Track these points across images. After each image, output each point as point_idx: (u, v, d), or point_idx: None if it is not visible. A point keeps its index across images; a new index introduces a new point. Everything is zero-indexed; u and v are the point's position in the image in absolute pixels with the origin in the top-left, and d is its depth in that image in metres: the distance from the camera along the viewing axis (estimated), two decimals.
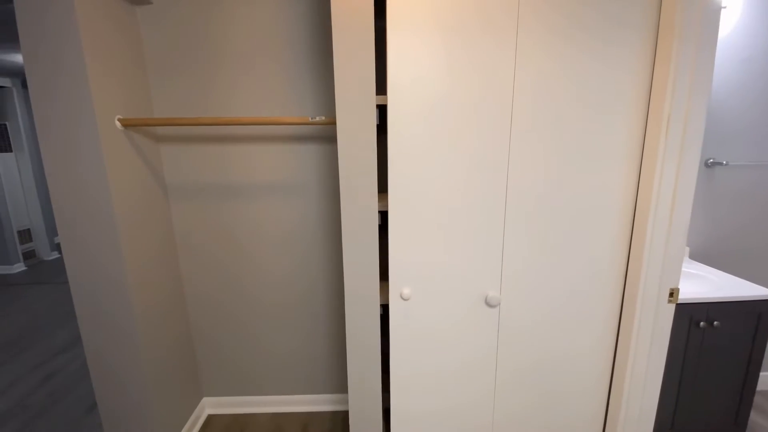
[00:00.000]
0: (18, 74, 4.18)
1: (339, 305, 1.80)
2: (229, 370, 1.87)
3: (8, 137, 4.36)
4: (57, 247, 4.85)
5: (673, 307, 1.27)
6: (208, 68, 1.55)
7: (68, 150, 1.27)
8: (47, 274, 4.13)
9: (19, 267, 4.27)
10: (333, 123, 1.34)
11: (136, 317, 1.41)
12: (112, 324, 1.41)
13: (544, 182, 1.22)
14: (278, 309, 1.80)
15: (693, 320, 1.42)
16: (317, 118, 1.36)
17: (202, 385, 1.89)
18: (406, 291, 1.29)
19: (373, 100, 1.15)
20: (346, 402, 1.92)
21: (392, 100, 1.15)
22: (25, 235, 4.52)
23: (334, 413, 1.91)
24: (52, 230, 4.78)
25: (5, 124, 4.33)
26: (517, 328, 1.34)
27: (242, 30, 1.51)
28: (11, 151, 4.39)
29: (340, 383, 1.91)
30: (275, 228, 1.70)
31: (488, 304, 1.32)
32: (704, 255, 1.82)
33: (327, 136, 1.61)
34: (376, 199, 1.22)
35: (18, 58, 3.48)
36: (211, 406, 1.91)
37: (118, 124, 1.35)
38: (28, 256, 4.54)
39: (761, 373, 1.95)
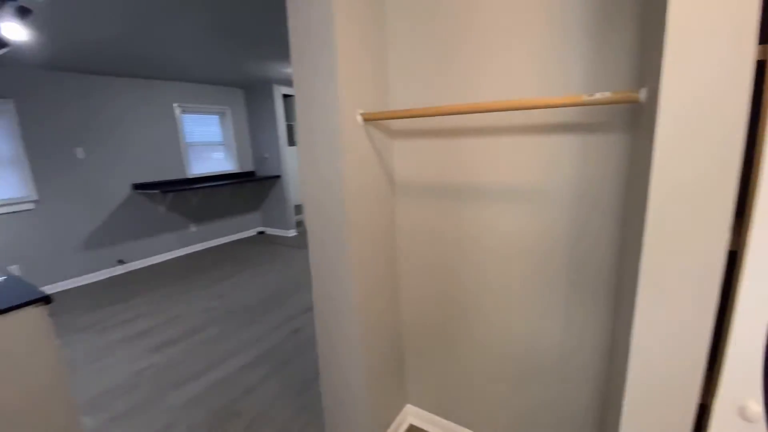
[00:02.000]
0: None
1: (601, 365, 1.30)
2: (436, 385, 1.71)
3: (293, 134, 5.79)
4: None
5: None
6: (449, 51, 1.32)
7: (314, 144, 1.31)
8: (295, 241, 5.29)
9: (293, 233, 5.67)
10: (625, 101, 0.86)
11: (357, 306, 1.39)
12: (336, 308, 1.44)
13: None
14: (504, 340, 1.48)
15: None
16: (597, 95, 0.91)
17: (407, 390, 1.81)
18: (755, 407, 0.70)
19: (752, 52, 0.61)
20: None
21: None
22: (299, 208, 5.97)
23: None
24: None
25: (292, 125, 5.76)
26: None
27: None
28: (295, 145, 5.82)
29: None
30: (508, 240, 1.36)
31: None
32: None
33: (596, 123, 1.11)
34: (727, 232, 0.68)
35: None
36: (413, 415, 1.81)
37: (359, 119, 1.31)
38: (299, 224, 5.99)
39: None
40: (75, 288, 3.85)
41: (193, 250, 5.00)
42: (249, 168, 5.68)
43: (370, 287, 1.47)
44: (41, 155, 3.61)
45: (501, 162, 1.31)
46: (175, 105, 4.65)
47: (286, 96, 5.48)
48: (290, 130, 5.71)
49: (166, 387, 2.18)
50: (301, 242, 5.26)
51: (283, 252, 4.82)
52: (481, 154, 1.34)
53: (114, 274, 4.21)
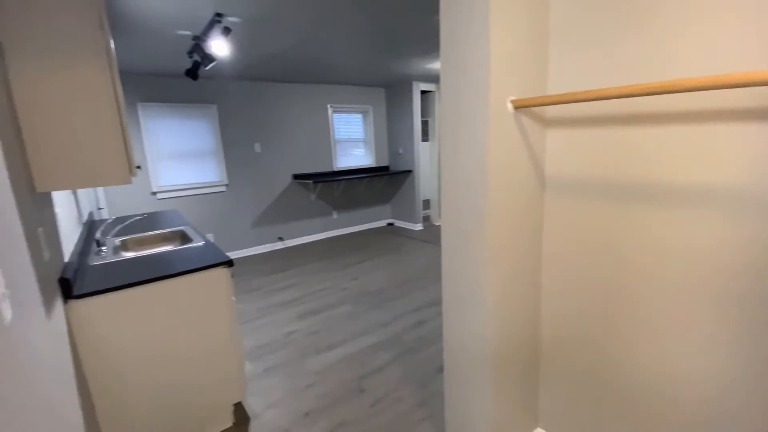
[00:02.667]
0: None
1: None
2: (575, 412, 1.47)
3: (429, 130, 5.86)
4: None
5: None
6: (638, 7, 1.08)
7: (457, 136, 1.26)
8: (435, 236, 5.32)
9: (419, 226, 5.78)
10: None
11: (491, 315, 1.29)
12: (467, 314, 1.37)
13: None
14: (669, 379, 1.17)
15: None
16: None
17: (539, 412, 1.62)
18: None
19: None
20: None
21: None
22: (426, 203, 6.05)
23: None
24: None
25: (426, 120, 5.84)
26: None
27: None
28: (429, 140, 5.89)
29: None
30: (691, 255, 1.05)
31: None
32: None
33: None
34: None
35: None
36: None
37: (509, 106, 1.20)
38: (425, 219, 6.07)
39: None
40: (247, 257, 4.77)
41: (333, 234, 5.60)
42: (384, 163, 6.01)
43: (508, 296, 1.35)
44: (232, 149, 4.56)
45: (682, 155, 1.01)
46: (328, 106, 5.24)
47: (423, 92, 5.58)
48: (424, 126, 5.81)
49: (308, 352, 2.49)
50: (427, 236, 5.32)
51: (410, 244, 4.96)
52: (657, 146, 1.07)
53: (275, 248, 5.04)
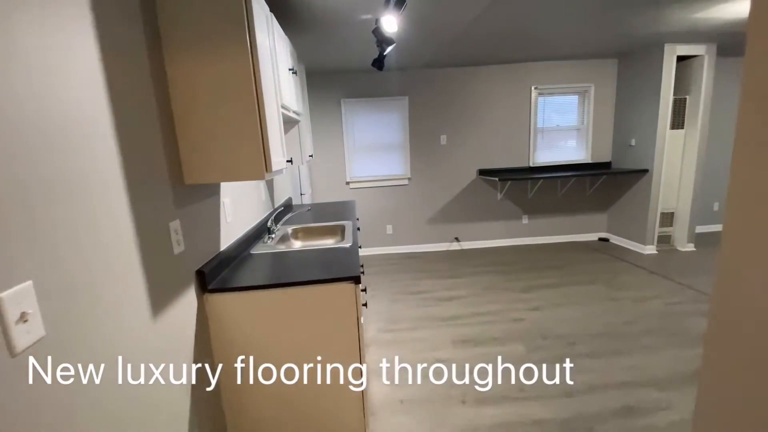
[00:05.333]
0: (715, 38, 3.58)
1: None
2: None
3: (684, 112, 4.04)
4: (696, 239, 4.23)
5: None
6: None
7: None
8: (673, 268, 3.66)
9: (650, 249, 4.13)
10: None
11: None
12: None
13: None
14: None
15: None
16: None
17: None
18: None
19: None
20: None
21: None
22: (667, 218, 4.26)
23: None
24: (696, 217, 4.18)
25: (684, 99, 4.02)
26: None
27: None
28: (682, 127, 4.08)
29: None
30: None
31: None
32: None
33: None
34: None
35: (722, 14, 2.81)
36: None
37: None
38: (662, 240, 4.30)
39: None
40: (421, 252, 4.58)
41: (520, 243, 4.73)
42: (604, 158, 4.59)
43: None
44: (417, 141, 4.40)
45: None
46: (533, 88, 4.35)
47: (681, 58, 3.84)
48: (678, 106, 4.02)
49: (453, 396, 1.98)
50: (663, 266, 3.71)
51: (632, 274, 3.56)
52: None
53: (450, 248, 4.67)
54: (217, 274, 1.51)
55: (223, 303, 1.43)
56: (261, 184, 2.34)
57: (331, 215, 2.73)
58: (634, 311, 2.81)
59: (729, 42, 3.71)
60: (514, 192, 4.60)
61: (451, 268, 3.96)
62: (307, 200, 4.01)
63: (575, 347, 2.37)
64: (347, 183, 4.46)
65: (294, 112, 2.12)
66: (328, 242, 2.30)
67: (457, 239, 4.67)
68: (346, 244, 1.89)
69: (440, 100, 4.33)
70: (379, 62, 2.94)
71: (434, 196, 4.56)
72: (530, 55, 3.96)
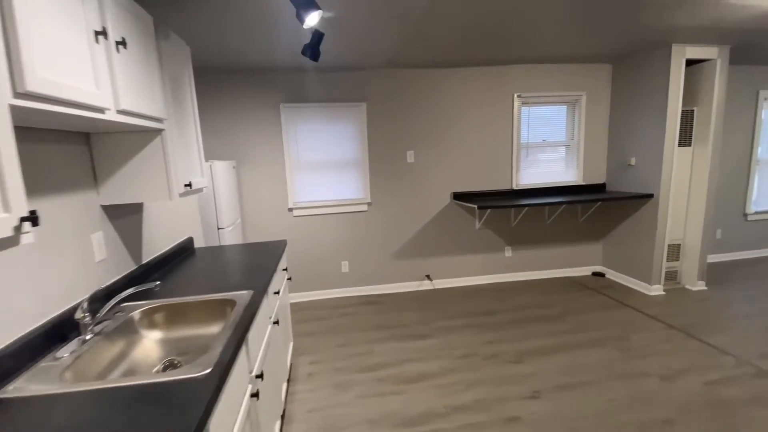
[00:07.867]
0: (729, 38, 2.98)
1: None
2: None
3: (692, 126, 3.41)
4: (705, 276, 3.57)
5: None
6: None
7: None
8: (691, 318, 2.95)
9: (657, 290, 3.43)
10: None
11: None
12: None
13: None
14: None
15: None
16: None
17: None
18: None
19: None
20: None
21: None
22: (673, 251, 3.59)
23: None
24: (708, 249, 3.52)
25: (692, 111, 3.40)
26: None
27: None
28: (689, 144, 3.44)
29: None
30: None
31: None
32: None
33: None
34: None
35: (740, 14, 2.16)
36: None
37: None
38: (668, 276, 3.62)
39: None
40: (383, 294, 3.71)
41: (503, 280, 3.95)
42: (598, 179, 3.91)
43: None
44: (378, 158, 3.57)
45: None
46: (515, 96, 3.63)
47: (691, 62, 3.23)
48: (686, 119, 3.39)
49: None
50: (676, 314, 2.99)
51: (645, 328, 2.81)
52: None
53: (421, 288, 3.82)
54: None
55: None
56: (82, 229, 1.40)
57: (233, 272, 1.81)
58: (668, 398, 2.02)
59: (744, 43, 3.12)
60: (494, 219, 3.83)
61: (420, 320, 3.10)
62: (233, 235, 3.06)
63: None
64: (290, 210, 3.54)
65: (124, 113, 1.20)
66: (212, 329, 1.40)
67: (428, 277, 3.83)
68: (206, 370, 0.97)
69: (406, 108, 3.53)
70: (311, 49, 2.09)
71: (400, 225, 3.72)
72: (511, 56, 3.25)
